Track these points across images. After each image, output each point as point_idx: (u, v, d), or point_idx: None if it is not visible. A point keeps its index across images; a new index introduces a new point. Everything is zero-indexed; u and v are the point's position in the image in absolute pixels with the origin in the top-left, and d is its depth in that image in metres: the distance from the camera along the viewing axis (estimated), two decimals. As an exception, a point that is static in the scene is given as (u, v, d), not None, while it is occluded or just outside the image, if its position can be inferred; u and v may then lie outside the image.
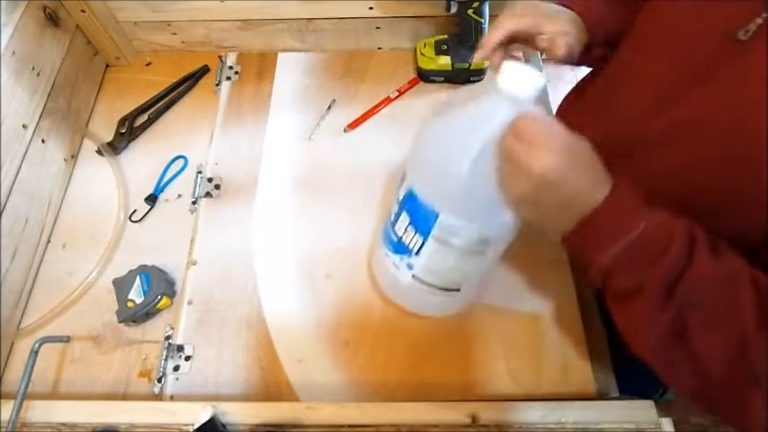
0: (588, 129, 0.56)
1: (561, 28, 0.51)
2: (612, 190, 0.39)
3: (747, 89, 0.37)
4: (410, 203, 0.48)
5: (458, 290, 0.54)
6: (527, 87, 0.40)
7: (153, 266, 0.64)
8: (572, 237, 0.41)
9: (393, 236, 0.52)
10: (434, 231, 0.47)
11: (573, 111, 0.62)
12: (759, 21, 0.36)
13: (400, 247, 0.52)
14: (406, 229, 0.50)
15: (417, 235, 0.49)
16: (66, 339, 0.58)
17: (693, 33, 0.41)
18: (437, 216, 0.46)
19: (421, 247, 0.49)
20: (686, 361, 0.39)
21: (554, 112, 0.78)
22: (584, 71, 0.65)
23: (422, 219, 0.47)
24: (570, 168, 0.39)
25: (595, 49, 0.54)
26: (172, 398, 0.58)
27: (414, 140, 0.47)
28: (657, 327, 0.39)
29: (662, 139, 0.43)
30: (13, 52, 0.63)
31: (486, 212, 0.44)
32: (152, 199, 0.70)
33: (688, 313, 0.38)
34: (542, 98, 0.79)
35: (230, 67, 0.83)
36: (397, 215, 0.51)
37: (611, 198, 0.39)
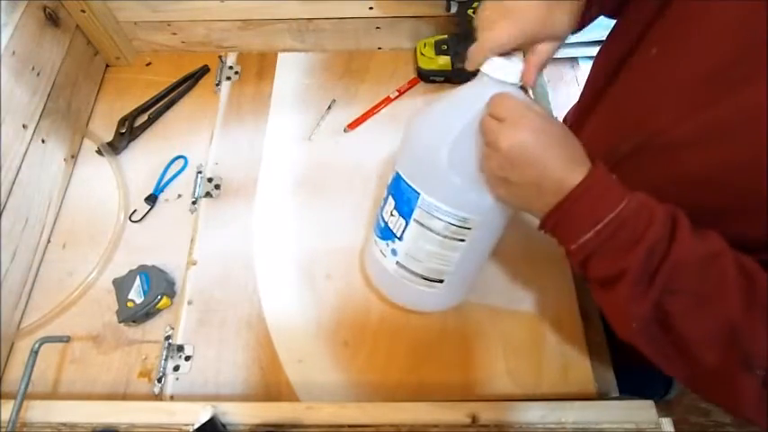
0: (608, 128, 0.54)
1: (550, 44, 0.45)
2: (589, 172, 0.39)
3: None
4: (395, 186, 0.50)
5: (440, 281, 0.54)
6: (510, 73, 0.41)
7: (153, 266, 0.64)
8: (548, 220, 0.41)
9: (381, 221, 0.54)
10: (415, 213, 0.48)
11: (588, 111, 0.61)
12: None
13: (386, 233, 0.53)
14: (391, 213, 0.51)
15: (401, 218, 0.50)
16: (67, 339, 0.58)
17: (734, 33, 0.38)
18: (418, 196, 0.47)
19: (404, 231, 0.50)
20: (674, 347, 0.39)
21: (554, 112, 0.79)
22: (586, 72, 0.65)
23: (405, 201, 0.49)
24: (538, 146, 0.39)
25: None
26: (172, 398, 0.58)
27: (405, 127, 0.49)
28: (640, 313, 0.38)
29: (691, 140, 0.42)
30: (13, 52, 0.63)
31: (464, 193, 0.45)
32: (152, 199, 0.70)
33: (671, 299, 0.37)
34: (543, 97, 0.79)
35: (230, 67, 0.83)
36: (385, 200, 0.52)
37: (587, 180, 0.38)
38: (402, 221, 0.50)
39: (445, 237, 0.48)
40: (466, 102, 0.44)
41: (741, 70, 0.37)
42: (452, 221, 0.47)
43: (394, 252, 0.53)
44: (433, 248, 0.50)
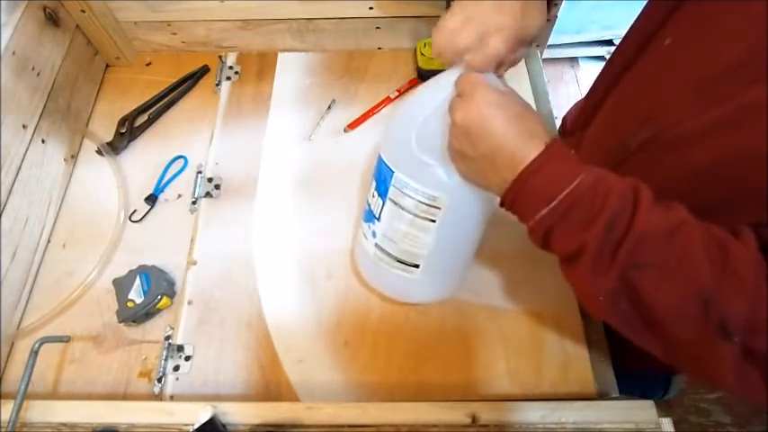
0: (617, 122, 0.53)
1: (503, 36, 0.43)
2: (545, 147, 0.38)
3: None
4: (377, 168, 0.52)
5: (416, 265, 0.55)
6: None
7: (153, 266, 0.64)
8: (506, 196, 0.41)
9: (366, 205, 0.56)
10: (390, 192, 0.50)
11: (596, 106, 0.60)
12: None
13: (369, 215, 0.55)
14: (372, 195, 0.53)
15: (379, 198, 0.52)
16: (67, 339, 0.58)
17: (748, 34, 0.38)
18: (392, 174, 0.49)
19: (381, 211, 0.52)
20: (645, 321, 0.38)
21: (554, 112, 0.79)
22: (586, 72, 0.65)
23: (382, 180, 0.51)
24: (492, 119, 0.39)
25: None
26: (172, 398, 0.58)
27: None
28: (605, 287, 0.38)
29: (703, 134, 0.41)
30: (13, 52, 0.63)
31: (431, 170, 0.46)
32: (152, 199, 0.70)
33: (638, 274, 0.37)
34: (542, 97, 0.79)
35: (230, 67, 0.83)
36: (370, 184, 0.54)
37: (543, 155, 0.38)
38: (380, 201, 0.52)
39: (416, 216, 0.50)
40: (439, 84, 0.45)
41: (758, 67, 0.37)
42: (422, 199, 0.48)
43: (374, 234, 0.55)
44: (406, 228, 0.51)
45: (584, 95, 0.68)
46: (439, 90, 0.45)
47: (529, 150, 0.39)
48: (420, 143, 0.46)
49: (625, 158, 0.51)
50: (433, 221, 0.50)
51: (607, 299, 0.39)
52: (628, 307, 0.38)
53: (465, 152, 0.42)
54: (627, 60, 0.54)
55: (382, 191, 0.51)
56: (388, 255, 0.55)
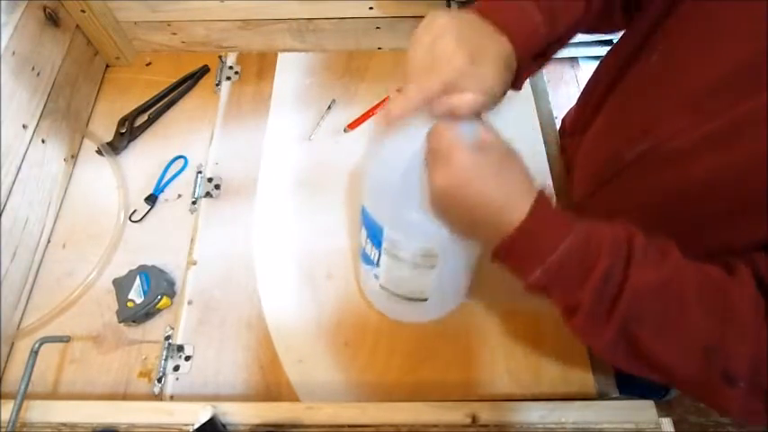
0: (611, 134, 0.53)
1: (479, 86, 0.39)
2: (531, 208, 0.37)
3: None
4: (365, 218, 0.49)
5: (424, 299, 0.55)
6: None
7: (153, 266, 0.64)
8: (494, 257, 0.40)
9: (361, 248, 0.54)
10: (384, 244, 0.48)
11: (591, 113, 0.60)
12: None
13: (367, 259, 0.53)
14: (366, 241, 0.51)
15: (374, 247, 0.50)
16: (67, 339, 0.58)
17: (743, 40, 0.37)
18: (383, 231, 0.47)
19: (378, 259, 0.51)
20: (649, 367, 0.39)
21: (554, 112, 0.79)
22: (586, 72, 0.65)
23: (374, 233, 0.48)
24: (473, 185, 0.37)
25: (539, 60, 0.46)
26: (172, 398, 0.58)
27: (364, 157, 0.49)
28: (603, 341, 0.38)
29: (699, 148, 0.41)
30: (13, 52, 0.63)
31: (421, 226, 0.44)
32: (152, 199, 0.70)
33: (636, 327, 0.37)
34: (542, 97, 0.79)
35: (230, 67, 0.83)
36: (360, 228, 0.52)
37: (530, 217, 0.37)
38: (376, 251, 0.50)
39: (415, 265, 0.48)
40: (412, 134, 0.42)
41: (750, 80, 0.36)
42: (417, 252, 0.47)
43: (376, 276, 0.54)
44: (407, 275, 0.50)
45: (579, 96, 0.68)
46: (412, 138, 0.42)
47: (514, 214, 0.37)
48: (404, 200, 0.44)
49: (620, 170, 0.51)
50: (433, 267, 0.49)
51: (608, 347, 0.39)
52: (629, 354, 0.39)
53: (448, 214, 0.40)
54: (618, 70, 0.53)
55: (376, 242, 0.49)
56: (395, 294, 0.55)
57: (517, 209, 0.37)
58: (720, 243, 0.41)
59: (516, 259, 0.40)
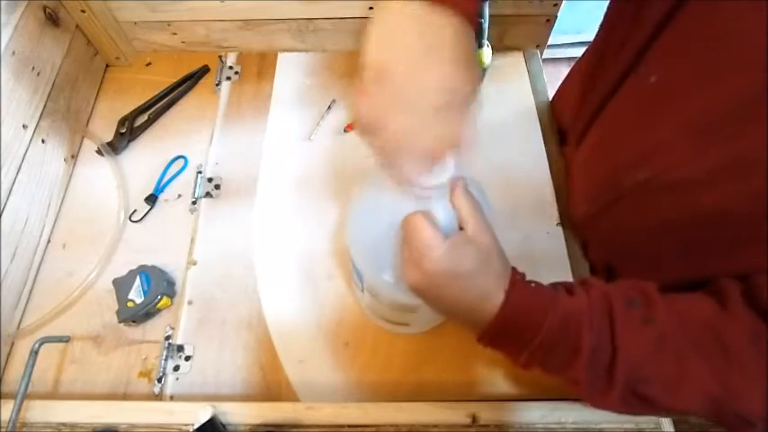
0: (607, 157, 0.52)
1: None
2: (506, 293, 0.38)
3: None
4: (350, 255, 0.49)
5: (407, 324, 0.57)
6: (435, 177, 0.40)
7: (153, 266, 0.64)
8: (479, 342, 0.41)
9: (351, 264, 0.53)
10: (365, 284, 0.49)
11: (583, 130, 0.59)
12: None
13: (357, 277, 0.53)
14: (353, 265, 0.51)
15: (359, 279, 0.51)
16: (67, 339, 0.58)
17: (744, 68, 0.35)
18: (363, 276, 0.48)
19: (362, 288, 0.52)
20: (668, 413, 0.40)
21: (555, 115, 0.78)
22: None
23: (357, 271, 0.49)
24: (446, 288, 0.37)
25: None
26: (172, 398, 0.58)
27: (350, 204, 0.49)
28: (613, 403, 0.38)
29: (705, 178, 0.39)
30: (13, 52, 0.63)
31: (398, 288, 0.44)
32: (152, 199, 0.70)
33: (643, 386, 0.37)
34: (542, 96, 0.79)
35: (230, 67, 0.83)
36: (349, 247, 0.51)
37: (507, 303, 0.37)
38: (359, 281, 0.51)
39: (394, 307, 0.49)
40: (390, 205, 0.42)
41: (757, 110, 0.34)
42: (395, 304, 0.48)
43: (363, 290, 0.54)
44: (388, 312, 0.52)
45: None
46: (389, 210, 0.42)
47: (489, 303, 0.37)
48: (382, 259, 0.44)
49: (619, 197, 0.50)
50: (414, 312, 0.50)
51: (620, 406, 0.39)
52: (644, 406, 0.39)
53: (422, 298, 0.40)
54: (613, 84, 0.50)
55: (359, 278, 0.50)
56: (382, 317, 0.56)
57: (491, 298, 0.38)
58: (725, 268, 0.40)
59: (500, 345, 0.40)
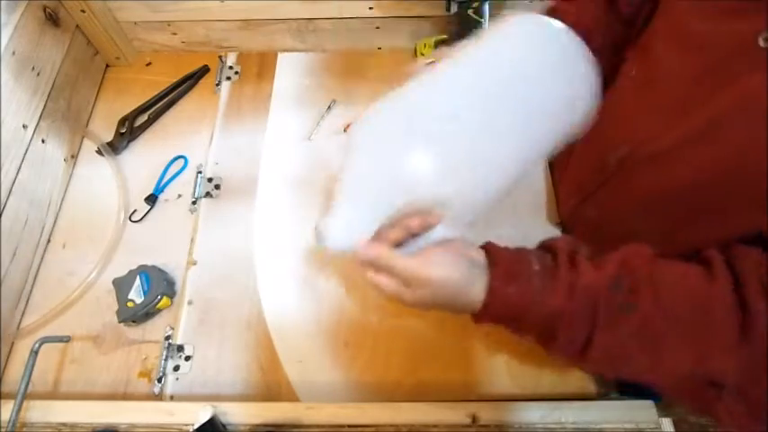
0: (595, 146, 0.54)
1: None
2: (486, 300, 0.40)
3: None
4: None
5: None
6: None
7: (153, 266, 0.64)
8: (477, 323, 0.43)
9: None
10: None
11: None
12: None
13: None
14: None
15: None
16: (67, 339, 0.58)
17: (709, 42, 0.40)
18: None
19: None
20: (635, 379, 0.40)
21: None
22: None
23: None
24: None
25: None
26: (172, 398, 0.58)
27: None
28: (589, 370, 0.42)
29: (677, 147, 0.42)
30: (13, 52, 0.63)
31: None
32: (152, 199, 0.70)
33: (619, 365, 0.39)
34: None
35: (230, 67, 0.83)
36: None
37: (487, 310, 0.40)
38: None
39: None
40: None
41: (721, 77, 0.38)
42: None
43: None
44: None
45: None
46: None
47: (475, 290, 0.40)
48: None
49: (607, 179, 0.52)
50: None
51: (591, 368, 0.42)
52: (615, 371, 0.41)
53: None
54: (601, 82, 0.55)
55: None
56: None
57: (477, 295, 0.40)
58: (704, 239, 0.42)
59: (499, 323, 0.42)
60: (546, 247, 0.43)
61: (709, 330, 0.36)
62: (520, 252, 0.42)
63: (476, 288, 0.40)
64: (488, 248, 0.42)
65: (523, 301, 0.39)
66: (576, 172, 0.62)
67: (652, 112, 0.45)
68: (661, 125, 0.44)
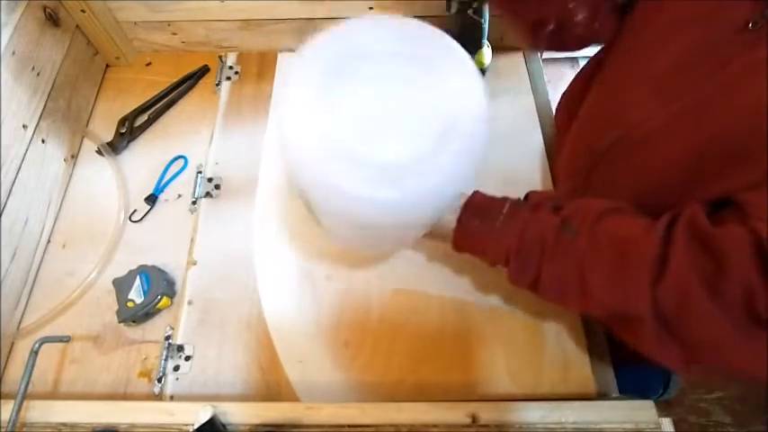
0: (587, 129, 0.57)
1: None
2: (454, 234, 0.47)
3: (757, 80, 0.37)
4: None
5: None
6: None
7: (153, 266, 0.64)
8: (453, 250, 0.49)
9: None
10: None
11: (572, 114, 0.62)
12: None
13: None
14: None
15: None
16: (67, 339, 0.58)
17: (700, 26, 0.42)
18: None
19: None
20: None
21: (555, 111, 0.78)
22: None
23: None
24: None
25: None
26: (172, 398, 0.58)
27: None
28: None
29: (664, 129, 0.44)
30: (13, 52, 0.63)
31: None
32: (152, 199, 0.70)
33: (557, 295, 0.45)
34: (542, 96, 0.79)
35: (230, 67, 0.83)
36: None
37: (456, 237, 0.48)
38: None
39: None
40: None
41: (708, 57, 0.40)
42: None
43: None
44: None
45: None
46: None
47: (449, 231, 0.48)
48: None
49: (596, 163, 0.53)
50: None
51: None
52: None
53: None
54: (592, 69, 0.58)
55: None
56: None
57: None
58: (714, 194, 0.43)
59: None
60: (526, 195, 0.50)
61: (626, 273, 0.40)
62: (495, 198, 0.48)
63: (450, 217, 0.47)
64: (473, 192, 0.48)
65: (484, 236, 0.46)
66: (569, 157, 0.63)
67: (642, 93, 0.47)
68: (651, 106, 0.45)
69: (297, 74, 0.45)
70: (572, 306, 0.47)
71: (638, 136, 0.47)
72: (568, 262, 0.43)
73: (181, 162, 0.74)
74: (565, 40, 0.55)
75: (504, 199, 0.47)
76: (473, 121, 0.44)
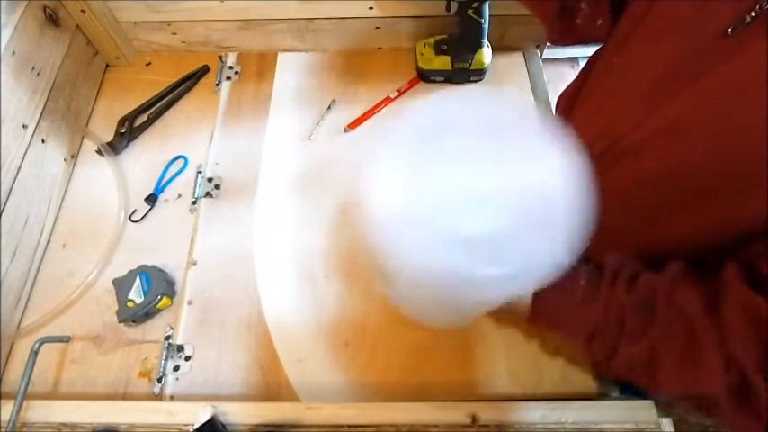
0: (581, 133, 0.57)
1: None
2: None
3: (739, 86, 0.36)
4: None
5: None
6: None
7: (153, 266, 0.64)
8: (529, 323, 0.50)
9: None
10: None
11: (564, 119, 0.62)
12: (748, 18, 0.35)
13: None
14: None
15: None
16: (67, 339, 0.58)
17: (682, 33, 0.41)
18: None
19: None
20: None
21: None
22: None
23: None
24: None
25: None
26: (172, 398, 0.58)
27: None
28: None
29: (647, 142, 0.43)
30: (13, 52, 0.63)
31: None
32: (152, 199, 0.70)
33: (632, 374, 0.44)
34: (542, 96, 0.79)
35: (230, 67, 0.83)
36: None
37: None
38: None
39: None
40: None
41: (693, 68, 0.39)
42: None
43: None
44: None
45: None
46: None
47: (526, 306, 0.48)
48: None
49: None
50: None
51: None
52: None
53: None
54: (584, 74, 0.57)
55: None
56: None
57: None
58: (671, 232, 0.44)
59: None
60: (598, 264, 0.47)
61: (697, 359, 0.39)
62: (572, 267, 0.44)
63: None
64: None
65: (563, 311, 0.45)
66: None
67: (630, 102, 0.46)
68: (638, 116, 0.45)
69: (385, 148, 0.44)
70: (642, 385, 0.45)
71: (622, 148, 0.46)
72: (643, 345, 0.42)
73: (181, 162, 0.74)
74: (577, 28, 0.55)
75: (578, 268, 0.44)
76: (562, 196, 0.42)
